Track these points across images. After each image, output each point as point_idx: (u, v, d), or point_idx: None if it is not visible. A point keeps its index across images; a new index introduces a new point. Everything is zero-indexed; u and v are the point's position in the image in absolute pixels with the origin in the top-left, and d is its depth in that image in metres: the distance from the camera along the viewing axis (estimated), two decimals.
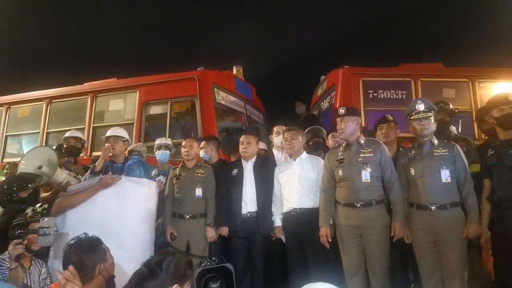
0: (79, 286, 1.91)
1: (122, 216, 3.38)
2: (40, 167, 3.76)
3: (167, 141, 4.75)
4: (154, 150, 4.69)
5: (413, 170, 3.27)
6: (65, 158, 4.84)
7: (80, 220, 3.24)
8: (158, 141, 4.74)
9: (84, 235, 2.21)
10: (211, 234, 3.94)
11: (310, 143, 4.53)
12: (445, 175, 3.13)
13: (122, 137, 3.93)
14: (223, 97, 6.04)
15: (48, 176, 3.75)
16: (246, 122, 6.50)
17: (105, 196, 3.44)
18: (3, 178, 4.16)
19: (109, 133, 3.99)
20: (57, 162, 3.81)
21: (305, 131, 4.56)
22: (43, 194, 4.09)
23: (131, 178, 3.66)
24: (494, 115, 3.23)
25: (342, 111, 3.46)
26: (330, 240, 3.42)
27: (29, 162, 3.82)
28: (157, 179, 3.89)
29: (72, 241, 2.17)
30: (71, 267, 1.55)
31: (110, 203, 3.41)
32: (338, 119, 3.48)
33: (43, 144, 6.35)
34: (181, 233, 3.96)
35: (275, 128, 4.57)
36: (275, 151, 4.51)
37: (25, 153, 4.16)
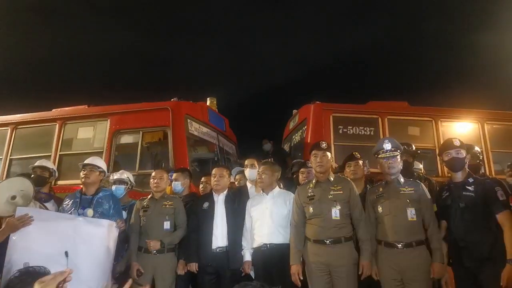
0: None
1: (76, 256, 3.22)
2: (13, 197, 3.61)
3: (122, 175, 4.53)
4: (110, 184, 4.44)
5: (380, 208, 3.35)
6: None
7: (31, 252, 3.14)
8: (111, 177, 4.51)
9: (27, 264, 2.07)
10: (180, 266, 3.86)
11: (294, 176, 4.57)
12: (411, 213, 3.21)
13: (99, 167, 3.82)
14: (196, 128, 6.03)
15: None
16: (218, 153, 6.49)
17: (61, 233, 3.32)
18: None
19: (87, 161, 3.86)
20: (32, 195, 3.66)
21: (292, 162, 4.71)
22: None
23: (88, 219, 3.53)
24: (444, 159, 3.38)
25: (324, 145, 3.55)
26: (302, 278, 3.39)
27: (3, 191, 3.66)
28: (117, 219, 3.73)
29: (18, 273, 2.03)
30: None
31: (65, 242, 3.27)
32: (318, 152, 3.51)
33: (4, 171, 6.09)
34: (147, 268, 3.81)
35: (246, 162, 4.56)
36: (248, 184, 4.50)
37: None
